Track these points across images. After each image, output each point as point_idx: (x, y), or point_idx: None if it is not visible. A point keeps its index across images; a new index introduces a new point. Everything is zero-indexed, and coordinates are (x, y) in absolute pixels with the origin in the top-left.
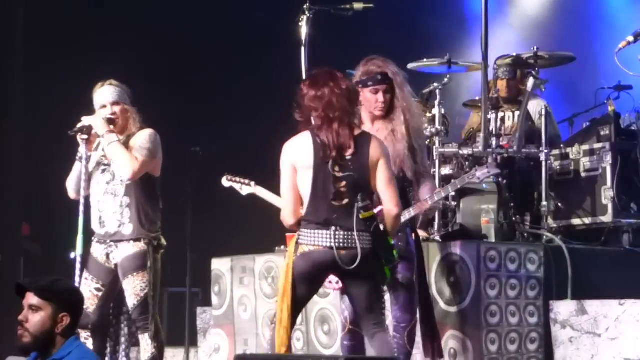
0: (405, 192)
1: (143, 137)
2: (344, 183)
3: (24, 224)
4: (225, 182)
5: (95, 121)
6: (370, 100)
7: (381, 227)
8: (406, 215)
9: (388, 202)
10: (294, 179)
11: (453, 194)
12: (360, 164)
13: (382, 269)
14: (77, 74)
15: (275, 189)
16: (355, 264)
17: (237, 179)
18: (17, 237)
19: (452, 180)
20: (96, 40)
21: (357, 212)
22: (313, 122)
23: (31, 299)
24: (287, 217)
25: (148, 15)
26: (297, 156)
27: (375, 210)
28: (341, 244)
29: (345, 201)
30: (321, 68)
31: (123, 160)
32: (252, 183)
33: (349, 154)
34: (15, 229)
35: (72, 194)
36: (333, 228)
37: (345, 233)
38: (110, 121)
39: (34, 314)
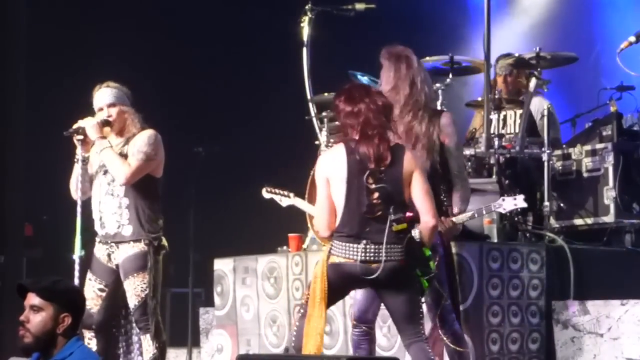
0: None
1: (141, 140)
2: (376, 195)
3: (26, 225)
4: (265, 194)
5: (88, 126)
6: None
7: (416, 237)
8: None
9: (425, 213)
10: (328, 191)
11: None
12: (394, 176)
13: (418, 279)
14: (80, 75)
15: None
16: (383, 276)
17: (277, 191)
18: (19, 238)
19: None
20: (99, 41)
21: (390, 224)
22: (349, 134)
23: (32, 299)
24: (322, 230)
25: (150, 16)
26: (331, 169)
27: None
28: (372, 258)
29: (379, 213)
30: (353, 83)
31: (115, 167)
32: (291, 194)
33: (384, 165)
34: (17, 229)
35: (74, 195)
36: (364, 242)
37: (376, 247)
38: (106, 123)
39: (35, 315)
